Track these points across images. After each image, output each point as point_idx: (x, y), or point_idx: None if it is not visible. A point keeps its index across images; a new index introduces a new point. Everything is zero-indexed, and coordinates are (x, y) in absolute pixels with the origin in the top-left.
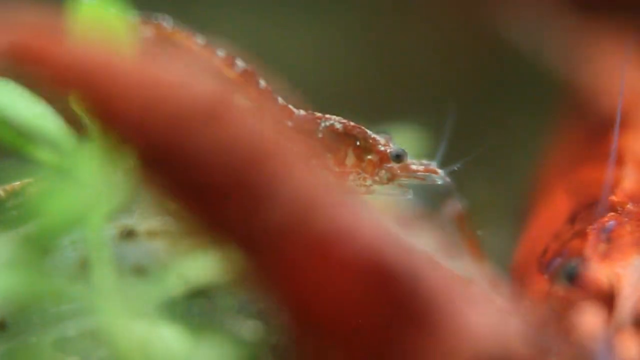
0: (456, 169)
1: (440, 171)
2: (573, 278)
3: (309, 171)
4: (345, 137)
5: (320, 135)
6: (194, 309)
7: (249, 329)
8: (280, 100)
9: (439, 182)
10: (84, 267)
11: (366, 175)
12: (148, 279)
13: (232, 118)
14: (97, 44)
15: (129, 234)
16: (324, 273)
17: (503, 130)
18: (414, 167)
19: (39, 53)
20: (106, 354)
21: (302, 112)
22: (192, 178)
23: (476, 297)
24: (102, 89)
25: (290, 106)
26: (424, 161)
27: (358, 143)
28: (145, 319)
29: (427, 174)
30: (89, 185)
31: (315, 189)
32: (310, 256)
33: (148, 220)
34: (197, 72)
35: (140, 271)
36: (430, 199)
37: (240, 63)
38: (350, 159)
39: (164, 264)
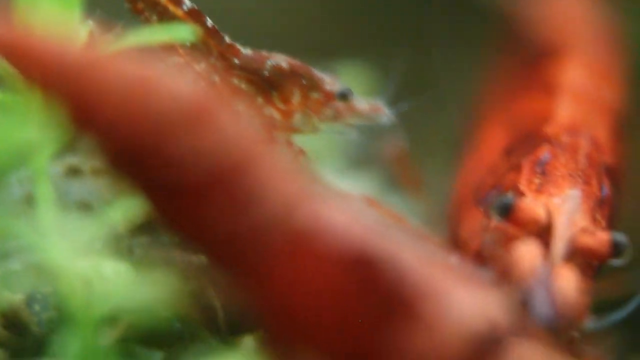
0: (401, 107)
1: (385, 110)
2: (508, 211)
3: (287, 172)
4: (291, 76)
5: (266, 73)
6: (137, 244)
7: (191, 263)
8: (226, 39)
9: (384, 121)
10: (29, 204)
11: (312, 114)
12: (92, 215)
13: (215, 123)
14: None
15: (74, 172)
16: (305, 268)
17: (440, 65)
18: (359, 105)
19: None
20: (51, 289)
21: (248, 51)
22: (171, 180)
23: (458, 277)
24: (78, 85)
25: (237, 45)
26: (370, 100)
27: (304, 82)
28: (90, 255)
29: (372, 112)
30: (34, 123)
31: (294, 188)
32: (291, 253)
33: (93, 158)
34: (180, 70)
35: (85, 207)
36: (374, 137)
37: (187, 2)
38: (296, 98)
39: (108, 201)
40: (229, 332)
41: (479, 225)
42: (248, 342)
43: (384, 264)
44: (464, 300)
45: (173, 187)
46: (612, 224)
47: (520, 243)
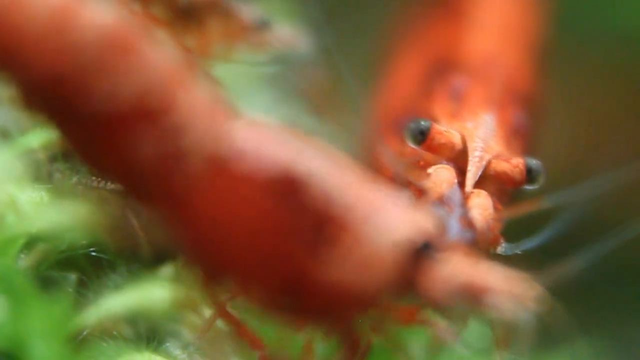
0: (321, 36)
1: (304, 38)
2: (422, 137)
3: (208, 101)
4: (209, 5)
5: (184, 2)
6: (56, 171)
7: (111, 190)
8: None
9: (304, 50)
10: None
11: (230, 43)
12: (11, 142)
13: (137, 53)
14: None
15: None
16: (229, 194)
17: None
18: (278, 34)
19: None
20: None
21: None
22: (91, 112)
23: (385, 195)
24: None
25: None
26: (289, 29)
27: (222, 11)
28: (9, 182)
29: (291, 41)
30: None
31: (215, 117)
32: (214, 180)
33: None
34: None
35: (3, 135)
36: (294, 66)
37: None
38: (214, 27)
39: (27, 129)
40: (149, 259)
41: (396, 152)
42: (168, 270)
43: (310, 184)
44: (395, 215)
45: (93, 119)
46: (528, 151)
47: (434, 168)
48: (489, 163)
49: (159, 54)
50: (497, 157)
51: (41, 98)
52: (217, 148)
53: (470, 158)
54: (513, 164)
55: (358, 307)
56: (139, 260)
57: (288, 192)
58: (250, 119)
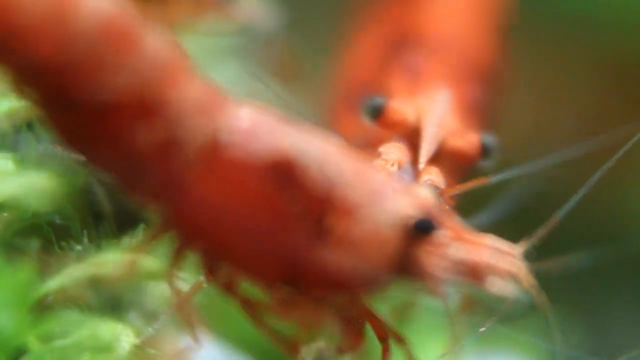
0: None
1: (267, 13)
2: (378, 114)
3: (203, 85)
4: None
5: None
6: (22, 140)
7: (76, 160)
8: None
9: (267, 24)
10: None
11: (195, 15)
12: None
13: (135, 41)
14: None
15: None
16: (224, 179)
17: None
18: (243, 8)
19: None
20: None
21: None
22: (86, 99)
23: (380, 173)
24: None
25: None
26: (254, 2)
27: None
28: None
29: (257, 15)
30: None
31: (209, 100)
32: (209, 165)
33: None
34: None
35: None
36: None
37: None
38: (179, 2)
39: None
40: (113, 228)
41: (352, 127)
42: (131, 238)
43: (307, 167)
44: (392, 194)
45: (89, 108)
46: (486, 127)
47: (388, 145)
48: (443, 140)
49: (156, 44)
50: (451, 133)
51: (36, 85)
52: (213, 134)
53: (423, 135)
54: (468, 140)
55: (360, 289)
56: (103, 229)
57: (285, 176)
58: (247, 105)
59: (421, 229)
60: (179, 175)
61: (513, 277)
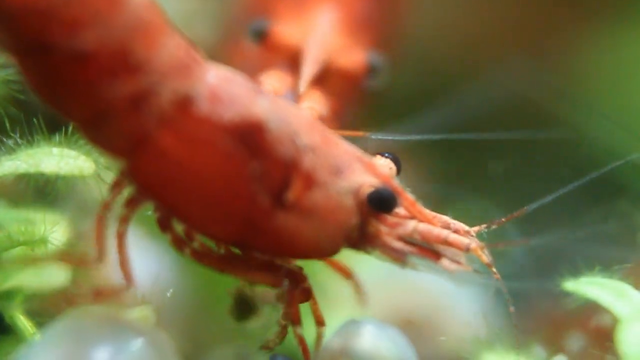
0: None
1: None
2: (261, 38)
3: (179, 42)
4: None
5: None
6: None
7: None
8: None
9: None
10: None
11: None
12: None
13: None
14: None
15: None
16: (196, 138)
17: None
18: None
19: None
20: None
21: None
22: (63, 45)
23: (347, 145)
24: None
25: None
26: None
27: None
28: None
29: None
30: None
31: (185, 58)
32: (182, 122)
33: None
34: None
35: None
36: None
37: None
38: None
39: None
40: (44, 126)
41: (242, 53)
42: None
43: (272, 130)
44: (355, 163)
45: (70, 57)
46: (378, 43)
47: (268, 73)
48: (327, 60)
49: (137, 1)
50: (336, 53)
51: (14, 28)
52: (185, 93)
53: (304, 58)
54: (353, 59)
55: (317, 254)
56: (34, 127)
57: (253, 138)
58: (221, 67)
59: (380, 201)
60: (145, 129)
61: (468, 253)
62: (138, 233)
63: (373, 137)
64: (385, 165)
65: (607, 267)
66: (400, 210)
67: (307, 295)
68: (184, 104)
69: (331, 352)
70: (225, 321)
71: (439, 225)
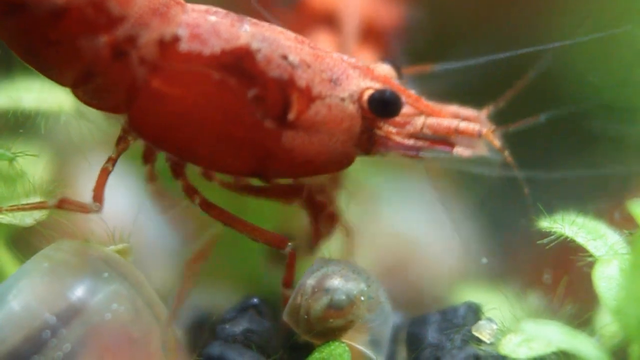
0: None
1: None
2: (294, 1)
3: None
4: None
5: None
6: None
7: None
8: None
9: None
10: None
11: None
12: None
13: None
14: None
15: None
16: (184, 70)
17: None
18: None
19: None
20: None
21: None
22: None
23: (337, 54)
24: None
25: None
26: None
27: None
28: None
29: None
30: None
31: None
32: (167, 58)
33: None
34: None
35: None
36: None
37: None
38: None
39: None
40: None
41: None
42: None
43: (261, 51)
44: (352, 69)
45: (41, 10)
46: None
47: (312, 34)
48: (366, 17)
49: None
50: (371, 9)
51: None
52: (170, 31)
53: (344, 17)
54: (389, 10)
55: (333, 166)
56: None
57: (245, 61)
58: (198, 6)
59: (383, 102)
60: (134, 78)
61: (480, 137)
62: (123, 170)
63: (439, 68)
64: (384, 69)
65: (581, 206)
66: (406, 108)
67: (333, 219)
68: (167, 45)
69: (307, 288)
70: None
71: (448, 116)
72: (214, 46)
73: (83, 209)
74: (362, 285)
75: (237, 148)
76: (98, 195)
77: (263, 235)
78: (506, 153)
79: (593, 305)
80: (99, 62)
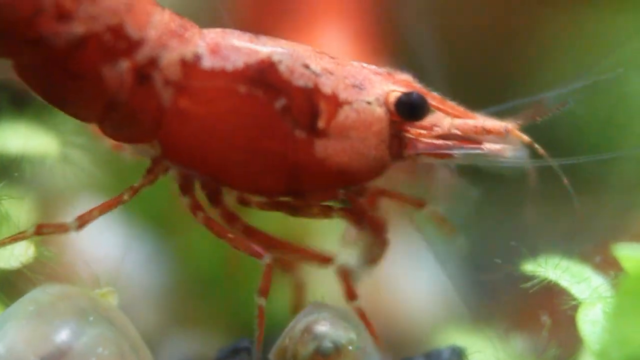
0: None
1: None
2: None
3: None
4: None
5: None
6: None
7: None
8: None
9: None
10: None
11: None
12: None
13: None
14: None
15: None
16: (209, 88)
17: None
18: None
19: None
20: None
21: None
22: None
23: (361, 65)
24: None
25: None
26: None
27: None
28: None
29: None
30: None
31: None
32: (191, 78)
33: None
34: None
35: None
36: None
37: None
38: None
39: None
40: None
41: None
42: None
43: (283, 62)
44: (375, 77)
45: (67, 47)
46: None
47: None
48: None
49: None
50: None
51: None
52: (187, 52)
53: None
54: None
55: (367, 173)
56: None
57: (269, 74)
58: (213, 28)
59: (410, 104)
60: (160, 101)
61: (508, 134)
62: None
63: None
64: (404, 74)
65: (566, 250)
66: (429, 108)
67: (379, 226)
68: (189, 64)
69: (297, 332)
70: (195, 304)
71: (472, 116)
72: (236, 61)
73: (61, 228)
74: (352, 335)
75: (271, 164)
76: (85, 217)
77: (310, 254)
78: (536, 146)
79: (577, 349)
80: (124, 89)
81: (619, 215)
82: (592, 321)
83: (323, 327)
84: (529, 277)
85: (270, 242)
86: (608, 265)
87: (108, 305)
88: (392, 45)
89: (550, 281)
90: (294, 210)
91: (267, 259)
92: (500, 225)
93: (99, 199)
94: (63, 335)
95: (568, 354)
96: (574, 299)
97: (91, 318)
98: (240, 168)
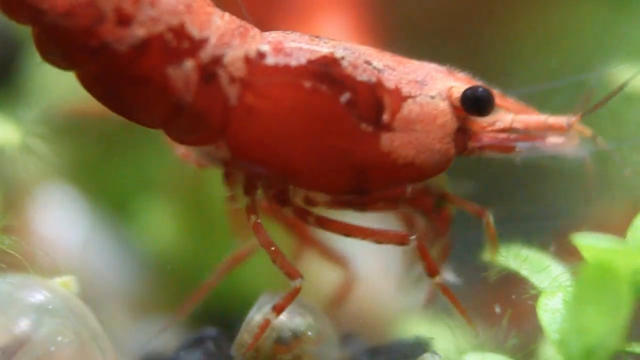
0: None
1: None
2: None
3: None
4: None
5: None
6: None
7: None
8: None
9: None
10: None
11: None
12: None
13: None
14: None
15: None
16: (279, 89)
17: None
18: None
19: None
20: None
21: None
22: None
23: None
24: None
25: None
26: None
27: None
28: None
29: None
30: None
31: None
32: (256, 76)
33: None
34: None
35: None
36: None
37: None
38: None
39: None
40: None
41: None
42: None
43: (349, 57)
44: (438, 73)
45: (130, 55)
46: None
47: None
48: None
49: None
50: None
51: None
52: (251, 49)
53: None
54: None
55: (434, 167)
56: None
57: (332, 68)
58: (272, 32)
59: (476, 98)
60: (227, 99)
61: (570, 128)
62: (70, 201)
63: None
64: (463, 73)
65: (527, 238)
66: (492, 103)
67: (447, 222)
68: (254, 61)
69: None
70: (158, 293)
71: (532, 112)
72: (300, 57)
73: None
74: (309, 319)
75: (338, 158)
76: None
77: (385, 236)
78: (599, 139)
79: (537, 338)
80: (190, 89)
81: (580, 205)
82: (552, 310)
83: (280, 316)
84: (489, 267)
85: (346, 229)
86: (568, 255)
87: (68, 294)
88: (392, 36)
89: (511, 270)
90: (360, 207)
91: (299, 282)
92: (460, 215)
93: (60, 188)
94: (22, 325)
95: (528, 343)
96: (534, 288)
97: (50, 307)
98: (308, 163)
